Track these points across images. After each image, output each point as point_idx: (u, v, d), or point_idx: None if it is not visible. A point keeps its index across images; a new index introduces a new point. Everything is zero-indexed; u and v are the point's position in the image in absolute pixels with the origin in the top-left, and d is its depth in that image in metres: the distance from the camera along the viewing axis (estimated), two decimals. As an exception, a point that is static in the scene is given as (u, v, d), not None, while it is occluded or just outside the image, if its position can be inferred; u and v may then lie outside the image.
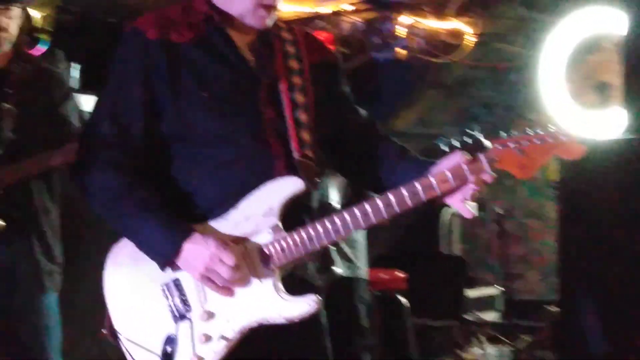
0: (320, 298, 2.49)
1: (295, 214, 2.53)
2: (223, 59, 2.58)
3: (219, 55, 2.58)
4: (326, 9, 6.22)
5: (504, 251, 7.66)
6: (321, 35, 6.23)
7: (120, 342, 2.56)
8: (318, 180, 2.60)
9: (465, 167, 2.46)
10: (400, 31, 6.07)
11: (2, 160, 3.58)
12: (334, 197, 4.79)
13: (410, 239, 7.25)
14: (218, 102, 2.54)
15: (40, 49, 5.04)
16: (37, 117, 3.67)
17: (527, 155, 2.44)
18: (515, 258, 8.02)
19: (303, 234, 2.48)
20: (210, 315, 2.48)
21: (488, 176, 2.46)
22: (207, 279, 2.46)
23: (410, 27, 6.08)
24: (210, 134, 2.53)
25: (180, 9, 2.64)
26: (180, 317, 2.49)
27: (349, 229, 2.48)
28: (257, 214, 2.49)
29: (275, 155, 2.54)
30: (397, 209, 2.47)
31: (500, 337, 6.73)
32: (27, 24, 3.83)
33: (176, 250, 2.45)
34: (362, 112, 2.79)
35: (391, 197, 2.47)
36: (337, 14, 6.19)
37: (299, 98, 2.60)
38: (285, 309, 2.47)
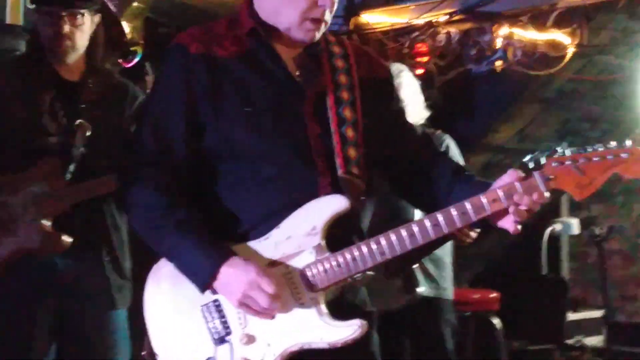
0: (365, 323, 2.36)
1: (344, 234, 2.42)
2: (267, 74, 2.48)
3: (263, 69, 2.48)
4: (421, 20, 6.10)
5: (615, 272, 7.33)
6: (416, 47, 6.11)
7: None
8: (363, 198, 2.48)
9: (518, 185, 2.31)
10: (498, 43, 5.89)
11: (74, 176, 3.58)
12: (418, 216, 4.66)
13: (511, 259, 7.03)
14: (261, 117, 2.44)
15: (131, 61, 5.07)
16: (107, 134, 3.64)
17: (585, 173, 2.27)
18: (627, 279, 7.71)
19: (347, 255, 2.37)
20: (250, 338, 2.38)
21: (543, 196, 2.30)
22: (245, 305, 2.36)
23: (508, 39, 5.89)
24: (253, 150, 2.43)
25: (225, 23, 2.56)
26: (220, 340, 2.40)
27: (394, 250, 2.36)
28: (299, 233, 2.39)
29: (320, 173, 2.43)
30: (445, 229, 2.35)
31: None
32: (106, 35, 3.78)
33: (214, 274, 2.36)
34: (418, 129, 2.67)
35: (439, 216, 2.35)
36: (432, 25, 6.05)
37: (347, 113, 2.48)
38: (327, 334, 2.35)
